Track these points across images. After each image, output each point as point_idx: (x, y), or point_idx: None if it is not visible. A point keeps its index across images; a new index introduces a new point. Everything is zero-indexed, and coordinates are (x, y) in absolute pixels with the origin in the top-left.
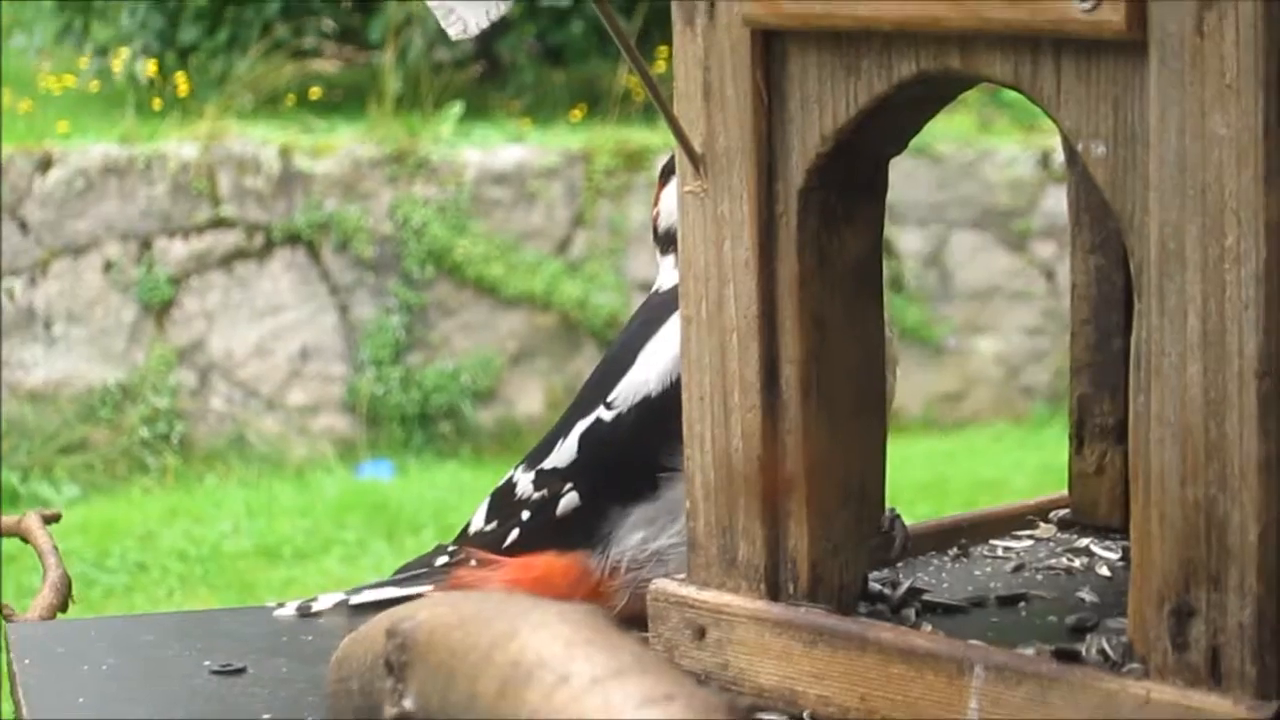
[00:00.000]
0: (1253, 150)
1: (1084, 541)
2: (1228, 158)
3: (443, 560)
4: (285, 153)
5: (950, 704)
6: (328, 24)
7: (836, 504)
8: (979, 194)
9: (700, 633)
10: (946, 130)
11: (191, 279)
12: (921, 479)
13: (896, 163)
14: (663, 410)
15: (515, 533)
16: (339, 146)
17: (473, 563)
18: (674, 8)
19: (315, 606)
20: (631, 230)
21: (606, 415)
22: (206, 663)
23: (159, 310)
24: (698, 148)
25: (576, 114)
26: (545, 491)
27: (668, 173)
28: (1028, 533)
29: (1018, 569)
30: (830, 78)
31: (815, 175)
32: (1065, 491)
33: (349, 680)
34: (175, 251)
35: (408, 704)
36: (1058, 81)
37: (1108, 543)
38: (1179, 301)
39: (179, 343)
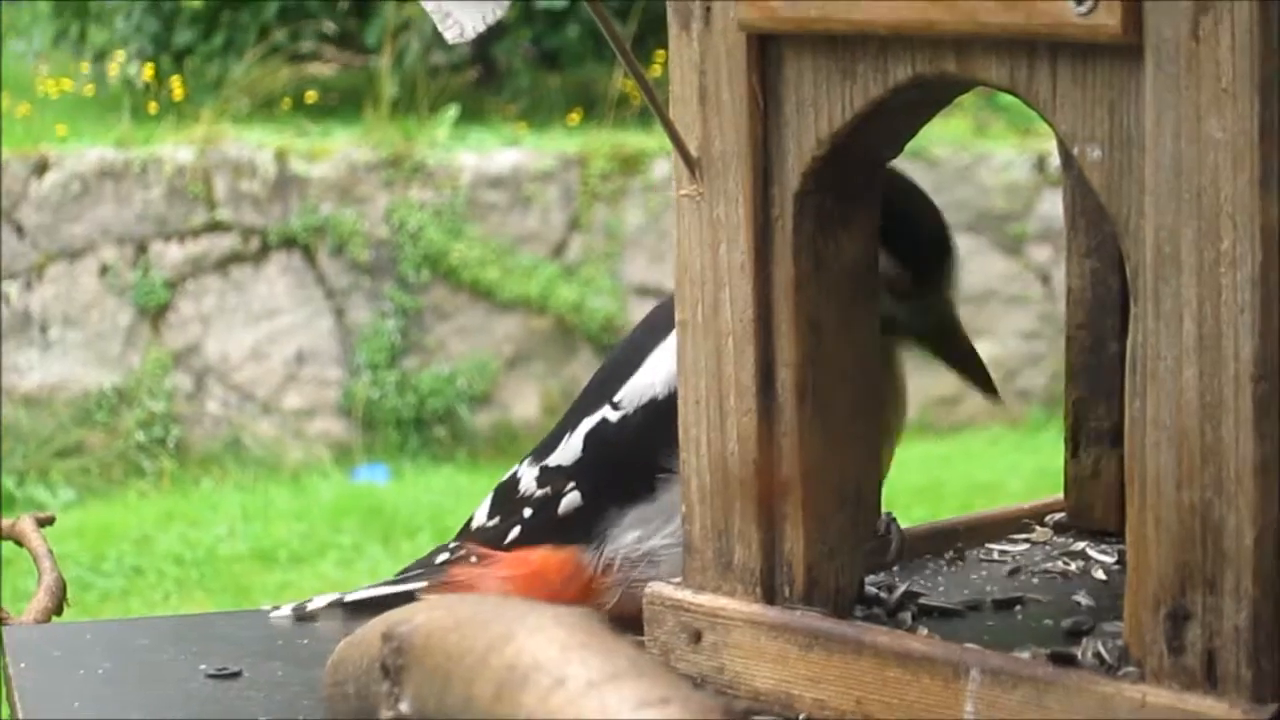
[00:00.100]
0: (1248, 154)
1: (1080, 545)
2: (1223, 162)
3: (443, 557)
4: (281, 156)
5: (946, 707)
6: (329, 26)
7: (832, 507)
8: (975, 198)
9: (696, 636)
10: (942, 134)
11: (187, 283)
12: (917, 482)
13: (892, 166)
14: (668, 414)
15: (517, 530)
16: (335, 150)
17: (472, 559)
18: (669, 12)
19: (310, 607)
20: (627, 234)
21: (612, 416)
22: (202, 666)
23: (155, 314)
24: (693, 152)
25: (572, 118)
26: (548, 489)
27: None
28: (1024, 536)
29: (1014, 573)
30: (826, 82)
31: (811, 179)
32: (1061, 495)
33: (345, 684)
34: (171, 255)
35: (404, 707)
36: (1053, 85)
37: (1104, 546)
38: (1175, 305)
39: (175, 346)
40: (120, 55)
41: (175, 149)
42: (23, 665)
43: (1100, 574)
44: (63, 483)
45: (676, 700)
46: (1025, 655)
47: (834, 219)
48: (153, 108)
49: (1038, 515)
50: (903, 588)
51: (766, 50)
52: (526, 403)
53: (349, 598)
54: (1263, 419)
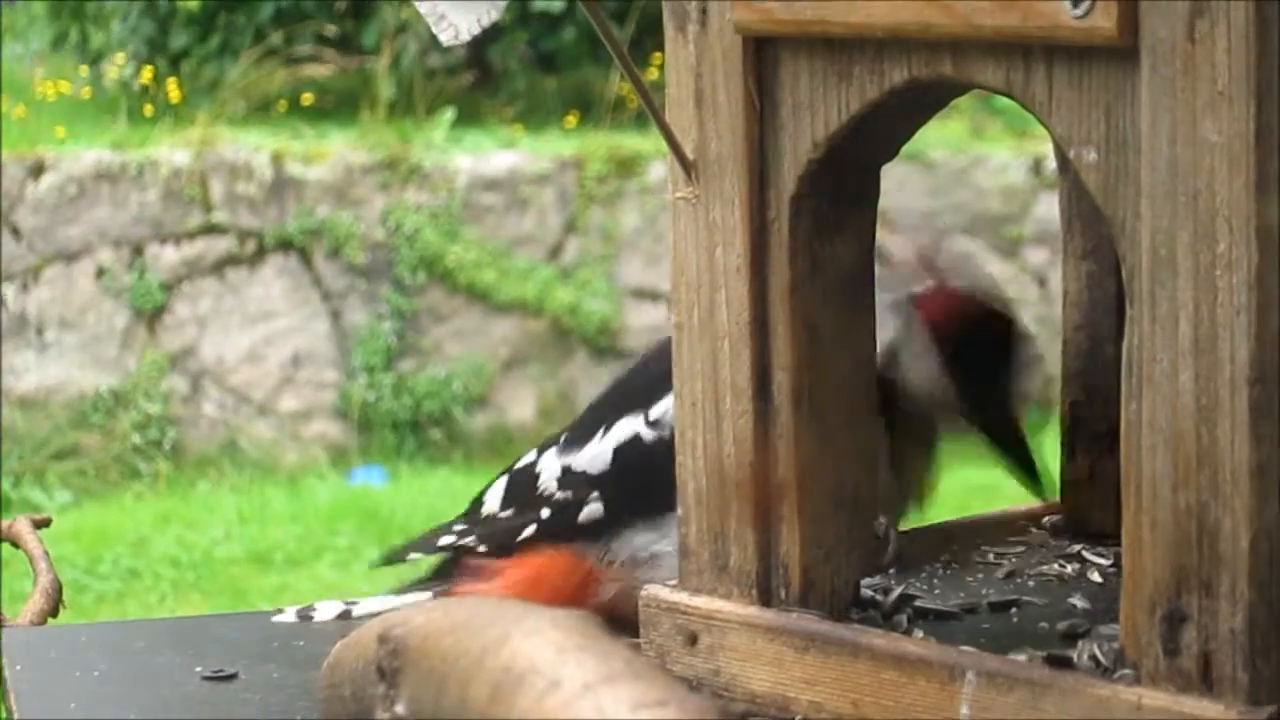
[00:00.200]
0: (1244, 157)
1: (1076, 548)
2: (1219, 164)
3: (446, 539)
4: (277, 159)
5: (942, 710)
6: (330, 29)
7: (828, 510)
8: (971, 200)
9: (692, 639)
10: (939, 136)
11: (183, 285)
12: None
13: (889, 169)
14: None
15: (532, 528)
16: (331, 153)
17: (473, 572)
18: (666, 14)
19: (316, 618)
20: (624, 236)
21: (648, 434)
22: (198, 669)
23: (151, 316)
24: (689, 154)
25: (569, 120)
26: (570, 494)
27: None
28: (1020, 539)
29: (1010, 575)
30: (822, 84)
31: (807, 182)
32: (1057, 498)
33: (341, 686)
34: (167, 258)
35: (400, 709)
36: (1049, 88)
37: (1100, 549)
38: (1170, 308)
39: (171, 349)
40: (121, 58)
41: (171, 151)
42: (19, 667)
43: (1096, 576)
44: (59, 485)
45: (672, 703)
46: (1021, 658)
47: (830, 222)
48: (149, 110)
49: (1034, 518)
50: (899, 590)
51: (763, 53)
52: (523, 405)
53: (356, 612)
54: (1259, 422)
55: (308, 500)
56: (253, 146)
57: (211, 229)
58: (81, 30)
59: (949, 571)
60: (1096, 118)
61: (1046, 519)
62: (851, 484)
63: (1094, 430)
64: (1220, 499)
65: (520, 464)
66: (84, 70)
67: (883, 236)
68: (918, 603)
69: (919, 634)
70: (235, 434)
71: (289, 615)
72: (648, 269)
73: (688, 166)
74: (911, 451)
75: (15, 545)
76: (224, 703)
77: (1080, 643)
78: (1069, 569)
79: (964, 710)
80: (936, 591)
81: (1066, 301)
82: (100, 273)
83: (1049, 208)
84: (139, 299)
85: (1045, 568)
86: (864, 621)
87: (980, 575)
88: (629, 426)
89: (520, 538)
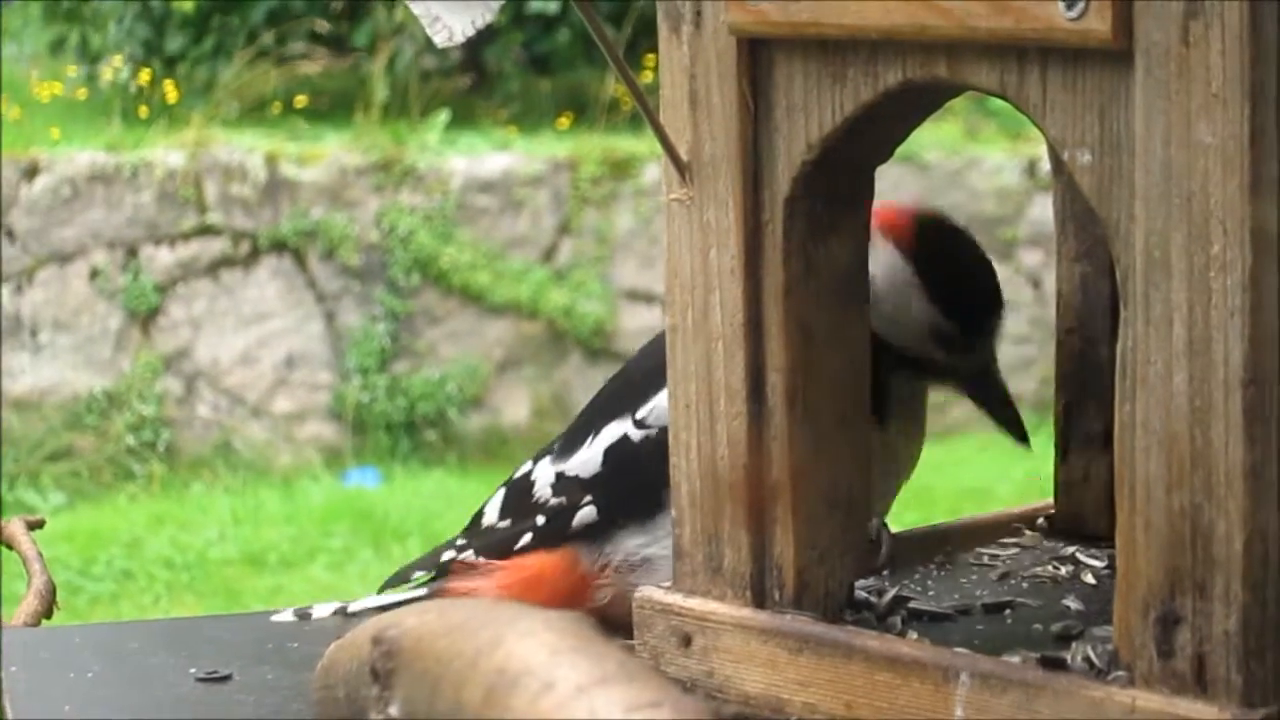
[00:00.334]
0: (1239, 159)
1: (1070, 549)
2: (1213, 166)
3: (449, 555)
4: (271, 160)
5: (936, 711)
6: (320, 25)
7: (822, 511)
8: (965, 202)
9: (686, 640)
10: (933, 138)
11: (178, 287)
12: (907, 487)
13: (883, 171)
14: None
15: (529, 536)
16: (325, 154)
17: (469, 572)
18: (660, 15)
19: (314, 616)
20: (618, 238)
21: (635, 434)
22: (192, 670)
23: (145, 318)
24: (684, 156)
25: (563, 122)
26: (564, 499)
27: None
28: (1014, 541)
29: (1003, 577)
30: (816, 86)
31: (801, 183)
32: (1051, 499)
33: (335, 687)
34: (161, 259)
35: (393, 711)
36: (1044, 90)
37: (1093, 551)
38: (1164, 310)
39: (165, 350)
40: (118, 59)
41: (166, 153)
42: (13, 669)
43: (1090, 578)
44: (53, 486)
45: (666, 704)
46: (1015, 659)
47: (824, 224)
48: (144, 112)
49: (1028, 519)
50: (893, 592)
51: (757, 54)
52: (517, 407)
53: (352, 608)
54: (1252, 423)
55: (302, 502)
56: (247, 148)
57: (206, 230)
58: (81, 33)
59: (943, 573)
60: (1091, 120)
61: (1040, 520)
62: (845, 485)
63: (1088, 432)
64: (1214, 501)
65: (517, 474)
66: (72, 70)
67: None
68: (912, 604)
69: (913, 636)
70: (229, 435)
71: (286, 615)
72: (642, 271)
73: (682, 168)
74: (901, 421)
75: (9, 547)
76: (218, 704)
77: (1074, 644)
78: (1063, 571)
79: (958, 712)
80: (930, 593)
81: (1061, 303)
82: (94, 274)
83: (1043, 210)
84: (133, 300)
85: (1039, 569)
86: (858, 623)
87: (974, 577)
88: (618, 428)
89: (518, 546)
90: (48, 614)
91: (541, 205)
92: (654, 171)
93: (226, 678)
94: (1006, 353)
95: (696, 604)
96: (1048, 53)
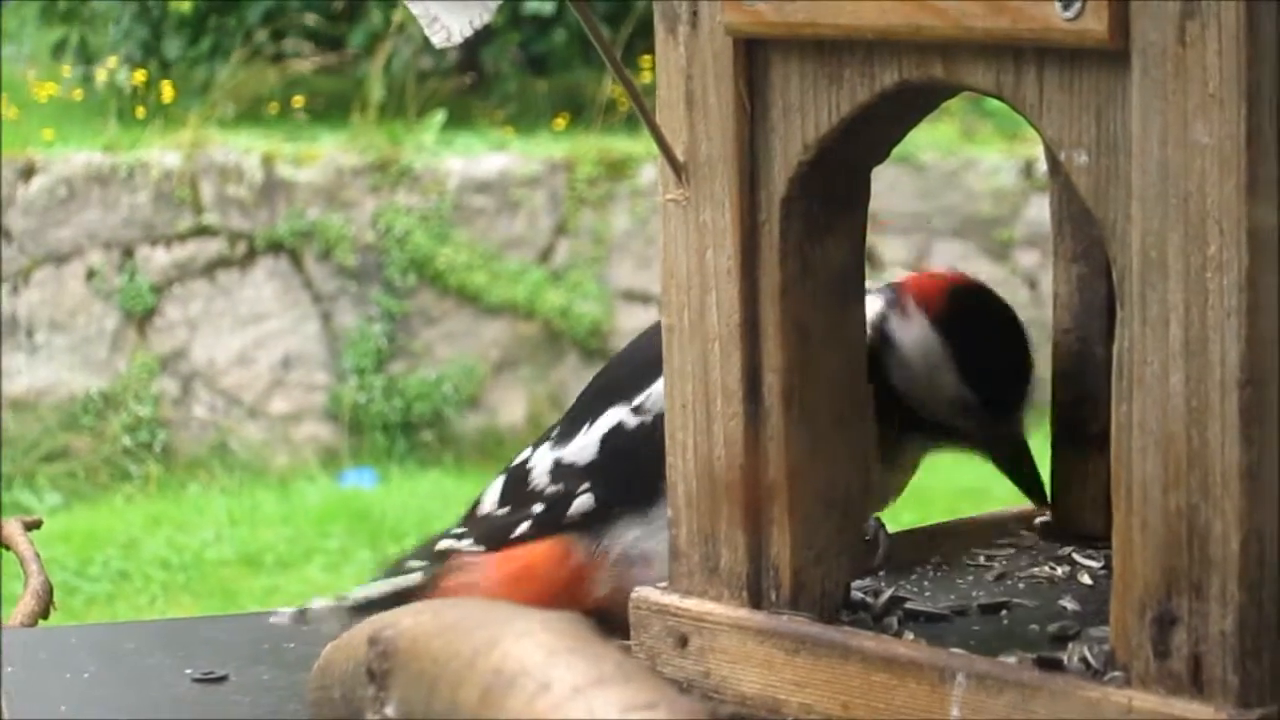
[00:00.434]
0: (1235, 159)
1: (1066, 550)
2: (1210, 167)
3: (446, 544)
4: (268, 161)
5: (933, 712)
6: (313, 18)
7: (819, 512)
8: (962, 203)
9: (682, 641)
10: (930, 139)
11: (174, 287)
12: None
13: (879, 171)
14: None
15: (526, 524)
16: (321, 155)
17: (462, 566)
18: (656, 16)
19: (310, 613)
20: (614, 239)
21: (631, 421)
22: (188, 671)
23: (141, 318)
24: (680, 156)
25: (559, 123)
26: (561, 487)
27: None
28: (1010, 541)
29: (1000, 577)
30: (813, 86)
31: (797, 184)
32: (1048, 500)
33: (331, 688)
34: (158, 260)
35: (389, 712)
36: (1040, 90)
37: (1090, 551)
38: (1161, 310)
39: (161, 351)
40: (113, 60)
41: (162, 153)
42: (9, 669)
43: (1086, 579)
44: (49, 487)
45: (663, 705)
46: (1011, 660)
47: (820, 224)
48: (140, 112)
49: (1024, 520)
50: (889, 592)
51: (753, 54)
52: (513, 407)
53: (349, 599)
54: (1249, 424)
55: (298, 502)
56: (243, 149)
57: (202, 231)
58: (82, 36)
59: (939, 574)
60: (1087, 120)
61: (1037, 521)
62: (842, 486)
63: (1085, 432)
64: (1211, 501)
65: (516, 461)
66: (67, 71)
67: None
68: (908, 605)
69: (909, 636)
70: (226, 436)
71: (283, 617)
72: (638, 271)
73: (678, 168)
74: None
75: (6, 547)
76: (214, 705)
77: (1070, 645)
78: (1059, 571)
79: (954, 712)
80: (927, 594)
81: (1057, 304)
82: (90, 275)
83: (1040, 210)
84: (129, 301)
85: (1035, 570)
86: (854, 624)
87: (971, 577)
88: (614, 415)
89: (515, 534)
90: (44, 614)
91: (538, 206)
92: (650, 172)
93: (223, 678)
94: None
95: (693, 604)
96: (1044, 53)
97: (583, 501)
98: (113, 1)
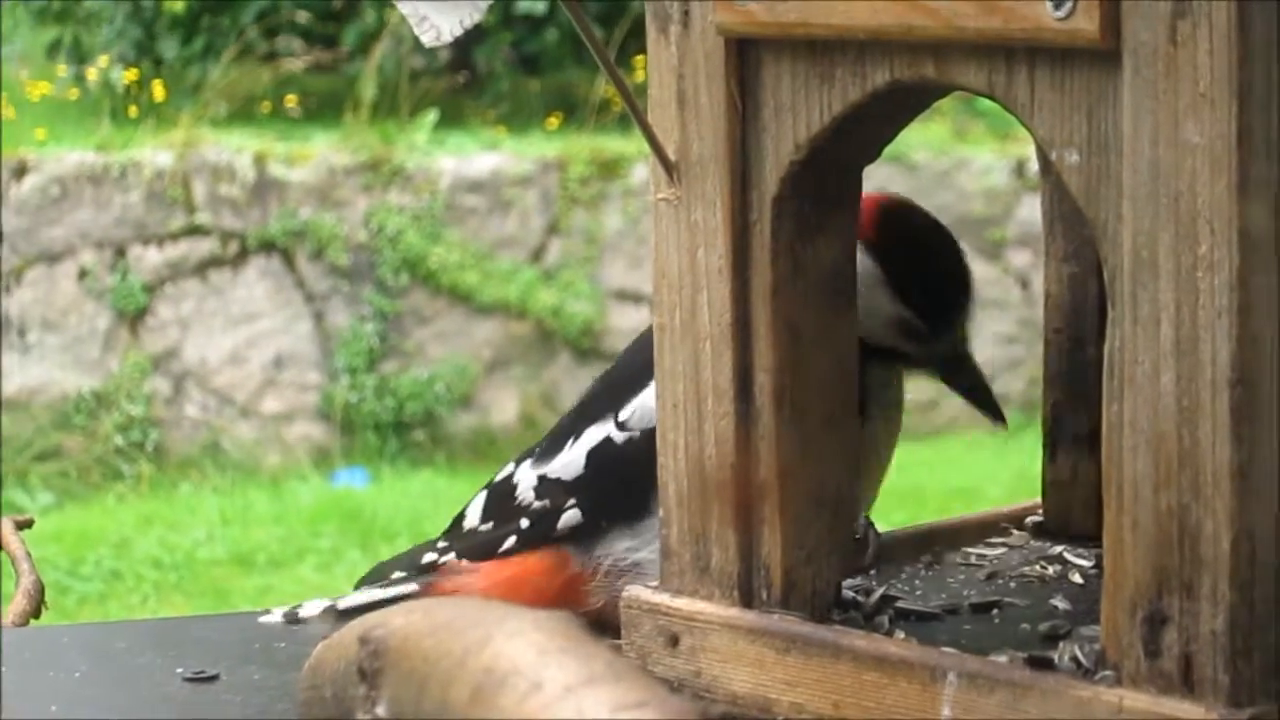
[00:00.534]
0: (1226, 159)
1: (1057, 549)
2: (1201, 166)
3: (429, 557)
4: (260, 160)
5: (924, 711)
6: (303, 15)
7: (810, 511)
8: (954, 203)
9: (673, 640)
10: (922, 139)
11: (166, 287)
12: (896, 486)
13: (871, 171)
14: None
15: (512, 539)
16: (314, 154)
17: (455, 572)
18: (648, 16)
19: (302, 614)
20: (606, 238)
21: (618, 436)
22: (179, 670)
23: (133, 318)
24: (672, 156)
25: (552, 122)
26: (547, 502)
27: None
28: (1001, 540)
29: (991, 576)
30: (804, 86)
31: (789, 183)
32: (1039, 499)
33: (322, 687)
34: (150, 259)
35: (380, 711)
36: (1031, 90)
37: (1081, 550)
38: (1152, 310)
39: (153, 350)
40: (105, 60)
41: (154, 153)
42: (0, 668)
43: (1078, 578)
44: (41, 486)
45: (653, 704)
46: (1002, 659)
47: (811, 224)
48: (133, 111)
49: (1015, 519)
50: (880, 591)
51: (745, 54)
52: (505, 407)
53: (341, 604)
54: (1240, 423)
55: (290, 502)
56: (235, 148)
57: (194, 230)
58: (76, 36)
59: (930, 573)
60: (1078, 120)
61: (1028, 520)
62: (833, 485)
63: (1075, 431)
64: (1201, 500)
65: (498, 477)
66: (62, 70)
67: None
68: (899, 604)
69: (900, 635)
70: (218, 435)
71: (275, 616)
72: (630, 271)
73: (670, 168)
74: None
75: None
76: (205, 704)
77: (1061, 644)
78: (1050, 570)
79: (945, 711)
80: (918, 593)
81: (1048, 303)
82: (83, 274)
83: (1031, 210)
84: (121, 300)
85: (1027, 569)
86: (845, 623)
87: (962, 576)
88: (599, 431)
89: (501, 549)
90: (36, 614)
91: (530, 205)
92: (642, 172)
93: (213, 678)
94: (995, 353)
95: (684, 603)
96: (1035, 52)
97: (570, 516)
98: (106, 1)
